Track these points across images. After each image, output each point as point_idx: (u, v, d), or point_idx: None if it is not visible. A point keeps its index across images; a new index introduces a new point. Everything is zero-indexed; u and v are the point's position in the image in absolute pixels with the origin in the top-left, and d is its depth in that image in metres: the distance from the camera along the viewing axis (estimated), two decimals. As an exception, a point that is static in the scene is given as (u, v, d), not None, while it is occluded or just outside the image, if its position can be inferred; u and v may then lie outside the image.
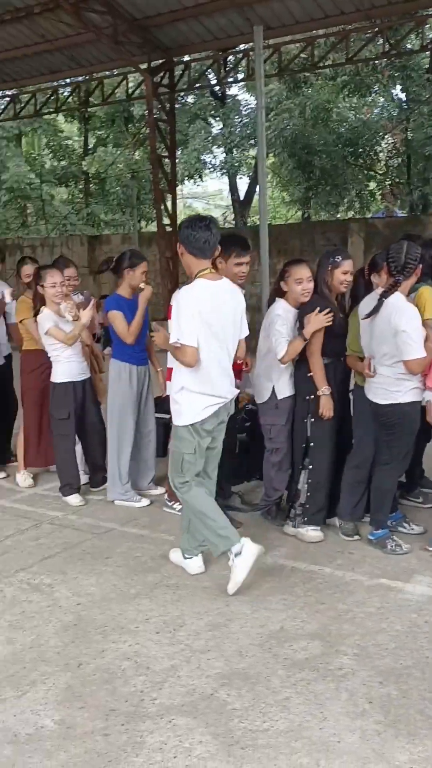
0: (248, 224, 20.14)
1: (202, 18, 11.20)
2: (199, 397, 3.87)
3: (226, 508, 4.96)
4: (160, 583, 4.01)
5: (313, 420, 4.48)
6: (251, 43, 12.42)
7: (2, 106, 17.19)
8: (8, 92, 16.03)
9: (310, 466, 4.54)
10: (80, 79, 15.31)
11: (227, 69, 14.07)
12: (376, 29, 11.89)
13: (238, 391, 4.23)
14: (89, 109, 20.05)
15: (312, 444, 4.51)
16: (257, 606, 3.73)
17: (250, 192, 21.33)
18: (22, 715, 2.82)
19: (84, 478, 5.58)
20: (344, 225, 14.84)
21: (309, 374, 4.48)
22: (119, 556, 4.38)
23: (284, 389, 4.63)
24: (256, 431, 5.16)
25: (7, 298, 5.80)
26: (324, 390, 4.41)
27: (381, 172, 18.95)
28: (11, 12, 11.34)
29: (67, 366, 5.23)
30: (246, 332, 4.11)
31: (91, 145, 23.58)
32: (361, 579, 4.03)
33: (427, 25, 12.85)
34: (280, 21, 10.90)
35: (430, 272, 4.45)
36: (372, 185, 19.63)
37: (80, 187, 24.76)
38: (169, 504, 5.14)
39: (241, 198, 22.14)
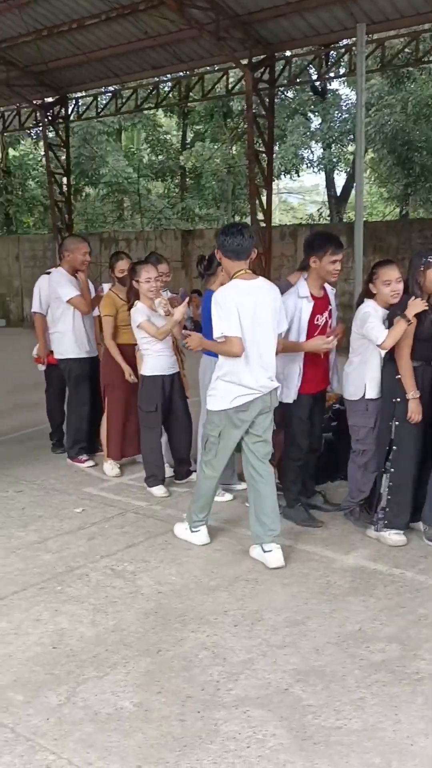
0: (344, 220, 19.92)
1: (305, 13, 11.15)
2: (229, 386, 4.20)
3: (308, 507, 5.00)
4: (240, 577, 4.06)
5: (397, 423, 4.42)
6: (354, 38, 12.31)
7: (104, 102, 17.60)
8: (110, 88, 16.41)
9: (392, 470, 4.48)
10: (181, 74, 15.52)
11: (329, 64, 13.94)
12: None
13: (277, 385, 4.35)
14: (190, 104, 20.28)
15: (395, 447, 4.46)
16: (336, 606, 3.73)
17: (347, 188, 21.10)
18: (102, 695, 2.93)
19: (169, 471, 5.70)
20: (443, 223, 14.48)
21: (397, 376, 4.43)
22: (200, 548, 4.46)
23: (375, 390, 4.60)
24: (343, 431, 5.14)
25: (106, 291, 5.96)
26: (413, 394, 4.35)
27: None
28: (117, 9, 11.62)
29: (156, 360, 5.35)
30: (283, 327, 4.37)
31: (188, 140, 23.87)
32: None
33: None
34: (384, 15, 10.72)
35: None
36: None
37: (176, 181, 25.12)
38: (253, 501, 5.18)
39: (338, 194, 21.91)
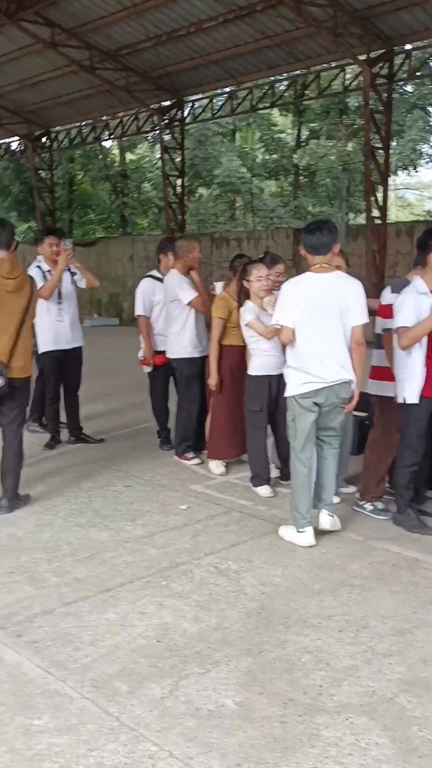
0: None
1: (426, 5, 10.84)
2: (297, 373, 4.47)
3: (419, 513, 4.86)
4: (345, 582, 3.99)
5: None
6: None
7: (220, 103, 17.77)
8: (226, 89, 16.54)
9: None
10: (297, 73, 15.44)
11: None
12: None
13: (350, 377, 4.45)
14: (305, 102, 20.17)
15: None
16: (444, 618, 3.61)
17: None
18: (204, 692, 2.96)
19: (275, 471, 5.68)
20: None
21: None
22: (304, 550, 4.41)
23: None
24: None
25: (218, 290, 6.01)
26: None
27: None
28: (234, 10, 11.71)
29: (264, 359, 5.34)
30: (361, 320, 4.42)
31: (303, 138, 23.72)
32: None
33: None
34: None
35: None
36: None
37: (290, 180, 25.01)
38: (360, 503, 5.09)
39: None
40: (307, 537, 4.47)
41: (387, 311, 4.82)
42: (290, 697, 2.91)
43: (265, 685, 3.00)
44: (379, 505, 5.05)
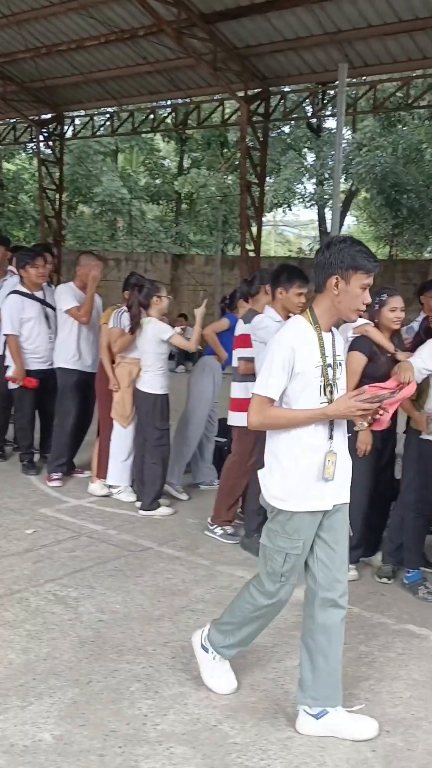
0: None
1: (301, 51, 11.35)
2: None
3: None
4: (186, 607, 4.00)
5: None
6: (350, 79, 12.51)
7: (102, 122, 17.76)
8: (108, 109, 16.56)
9: None
10: (179, 101, 15.70)
11: (325, 102, 14.14)
12: None
13: None
14: (187, 131, 20.51)
15: None
16: (279, 639, 3.68)
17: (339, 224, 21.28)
18: (22, 726, 2.84)
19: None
20: (426, 265, 14.65)
21: None
22: (150, 576, 4.39)
23: None
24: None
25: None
26: (360, 425, 4.34)
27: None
28: (116, 33, 11.76)
29: (158, 379, 5.51)
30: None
31: (186, 166, 24.06)
32: (388, 622, 3.94)
33: None
34: (378, 59, 10.93)
35: None
36: (461, 228, 19.29)
37: (171, 206, 25.28)
38: (211, 528, 5.15)
39: (329, 230, 22.08)
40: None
41: (240, 341, 4.97)
42: (112, 728, 2.86)
43: (88, 716, 2.93)
44: (229, 529, 5.12)
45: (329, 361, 2.82)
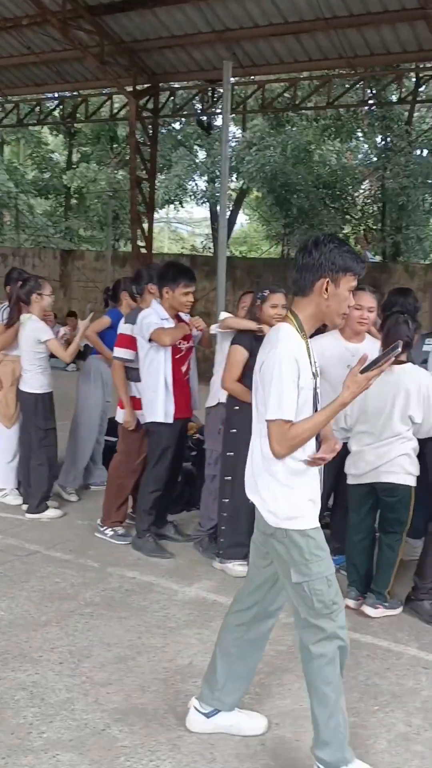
0: (226, 254, 20.23)
1: (189, 48, 11.36)
2: None
3: (159, 537, 4.93)
4: (75, 611, 3.92)
5: (232, 454, 4.46)
6: (237, 77, 12.64)
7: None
8: (-8, 100, 16.06)
9: (226, 500, 4.51)
10: (67, 94, 15.39)
11: (214, 99, 14.22)
12: (358, 77, 12.13)
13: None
14: (76, 125, 20.12)
15: (229, 478, 4.48)
16: (170, 639, 3.67)
17: (230, 222, 21.48)
18: None
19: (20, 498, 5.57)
20: (315, 263, 14.97)
21: (235, 407, 4.47)
22: (38, 580, 4.28)
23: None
24: (203, 461, 5.13)
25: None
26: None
27: (357, 216, 19.21)
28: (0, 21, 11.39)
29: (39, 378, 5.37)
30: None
31: (75, 160, 23.61)
32: (280, 615, 3.98)
33: (407, 79, 13.17)
34: (265, 59, 11.09)
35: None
36: (347, 229, 19.88)
37: (61, 200, 24.75)
38: (101, 529, 5.06)
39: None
40: None
41: (121, 340, 4.93)
42: (-4, 739, 2.76)
43: (-30, 728, 2.82)
44: (120, 530, 5.05)
45: (314, 369, 2.64)
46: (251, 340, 4.34)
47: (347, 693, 3.12)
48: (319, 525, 2.63)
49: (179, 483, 5.50)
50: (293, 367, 2.52)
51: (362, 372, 2.53)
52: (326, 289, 2.56)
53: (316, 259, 2.56)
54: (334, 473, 4.34)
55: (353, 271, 2.59)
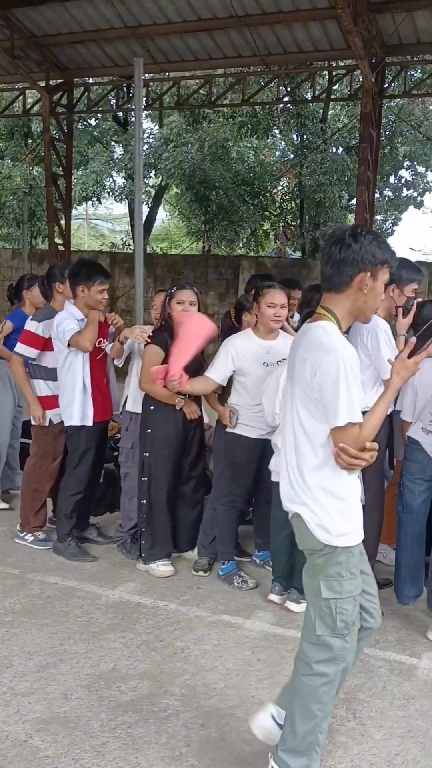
0: (147, 251, 20.10)
1: (103, 43, 11.21)
2: None
3: (81, 540, 4.86)
4: (-6, 619, 3.83)
5: (147, 454, 4.46)
6: (152, 74, 12.57)
7: None
8: None
9: (143, 501, 4.49)
10: (-22, 88, 14.94)
11: (130, 95, 14.08)
12: (272, 75, 12.24)
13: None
14: (-13, 121, 19.63)
15: (145, 478, 4.48)
16: (94, 644, 3.63)
17: (150, 219, 21.37)
18: None
19: None
20: (236, 260, 15.09)
21: (151, 407, 4.46)
22: None
23: (133, 404, 4.69)
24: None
25: None
26: (179, 401, 4.40)
27: (276, 213, 19.43)
28: None
29: None
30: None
31: (-11, 156, 23.01)
32: (204, 615, 4.00)
33: (321, 77, 13.38)
34: (179, 55, 11.06)
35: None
36: (266, 225, 20.09)
37: (-25, 198, 24.09)
38: (21, 535, 4.96)
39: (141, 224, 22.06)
40: None
41: (26, 337, 4.80)
42: None
43: None
44: (40, 534, 4.96)
45: None
46: (166, 340, 4.33)
47: (272, 689, 3.18)
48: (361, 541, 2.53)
49: (102, 484, 5.45)
50: (356, 366, 2.41)
51: (409, 357, 2.46)
52: (366, 284, 2.45)
53: (357, 252, 2.42)
54: (255, 469, 4.38)
55: (389, 264, 2.49)
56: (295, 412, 2.49)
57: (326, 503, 2.45)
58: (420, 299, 4.29)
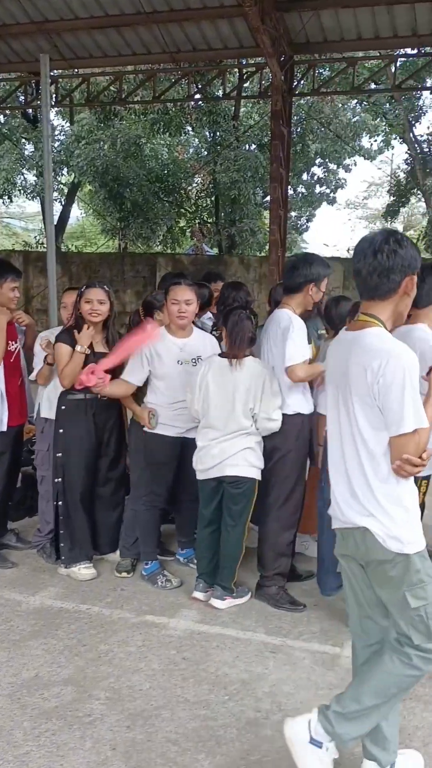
0: (62, 249, 19.79)
1: (9, 39, 10.94)
2: None
3: (0, 547, 4.75)
4: None
5: (60, 455, 4.41)
6: (60, 70, 12.37)
7: None
8: None
9: (59, 502, 4.44)
10: None
11: (38, 92, 13.80)
12: (182, 72, 12.25)
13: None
14: None
15: (58, 480, 4.43)
16: (15, 652, 3.55)
17: (63, 216, 21.05)
18: None
19: None
20: (153, 258, 15.05)
21: (62, 407, 4.41)
22: None
23: (47, 411, 4.61)
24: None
25: None
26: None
27: (191, 210, 19.47)
28: None
29: None
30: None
31: None
32: (128, 616, 3.97)
33: (231, 75, 13.48)
34: (88, 51, 10.93)
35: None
36: (182, 222, 20.10)
37: None
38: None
39: (54, 222, 21.71)
40: None
41: None
42: None
43: None
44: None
45: None
46: (71, 336, 4.32)
47: (197, 686, 3.20)
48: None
49: (20, 488, 5.34)
50: (417, 372, 2.36)
51: None
52: (411, 287, 2.45)
53: (404, 258, 2.40)
54: (175, 468, 4.37)
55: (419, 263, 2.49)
56: (354, 422, 2.46)
57: (395, 513, 2.43)
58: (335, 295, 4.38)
